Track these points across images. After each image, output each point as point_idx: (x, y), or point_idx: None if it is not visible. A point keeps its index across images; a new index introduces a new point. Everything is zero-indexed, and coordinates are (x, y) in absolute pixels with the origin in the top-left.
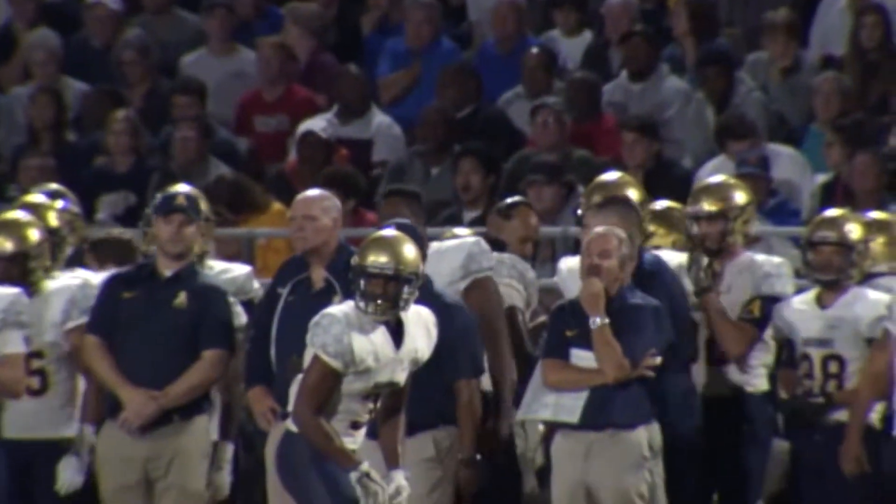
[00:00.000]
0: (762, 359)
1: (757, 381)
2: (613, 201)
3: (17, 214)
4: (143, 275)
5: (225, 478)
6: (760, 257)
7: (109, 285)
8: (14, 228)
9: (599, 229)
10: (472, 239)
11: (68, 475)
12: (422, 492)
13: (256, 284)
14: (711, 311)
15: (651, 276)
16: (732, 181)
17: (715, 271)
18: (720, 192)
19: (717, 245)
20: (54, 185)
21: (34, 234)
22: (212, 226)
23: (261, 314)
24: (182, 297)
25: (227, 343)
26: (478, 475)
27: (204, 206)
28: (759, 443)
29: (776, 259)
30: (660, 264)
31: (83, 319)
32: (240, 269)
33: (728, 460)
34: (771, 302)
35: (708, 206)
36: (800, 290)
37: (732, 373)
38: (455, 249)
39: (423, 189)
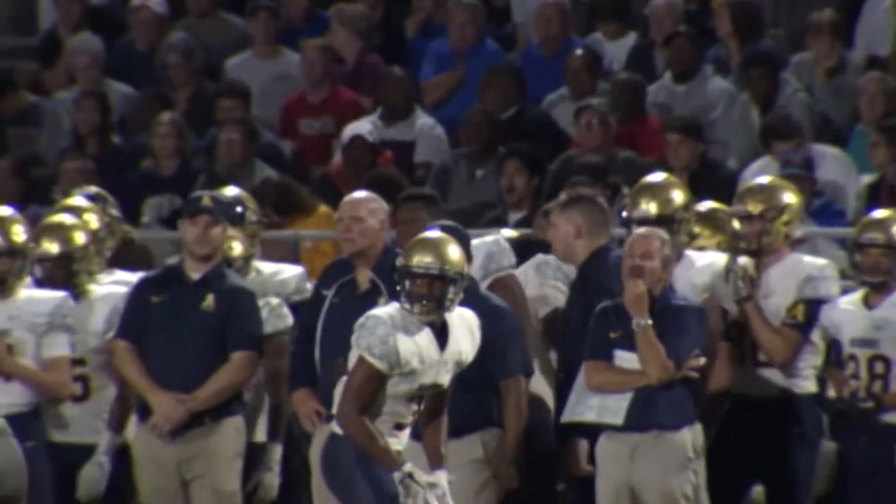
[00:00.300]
0: (810, 361)
1: (805, 382)
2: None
3: (63, 217)
4: (171, 278)
5: (274, 479)
6: (805, 259)
7: (138, 289)
8: (59, 230)
9: (642, 230)
10: (491, 238)
11: (89, 484)
12: (470, 493)
13: (309, 285)
14: (753, 321)
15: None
16: (778, 182)
17: (753, 277)
18: (764, 192)
19: (755, 245)
20: (94, 188)
21: (80, 237)
22: (260, 228)
23: (305, 316)
24: (210, 300)
25: (255, 345)
26: (519, 474)
27: (253, 207)
28: (808, 444)
29: (820, 261)
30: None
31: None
32: (292, 271)
33: (776, 462)
34: (816, 305)
35: (749, 207)
36: (846, 291)
37: (778, 375)
38: (474, 250)
39: (467, 191)
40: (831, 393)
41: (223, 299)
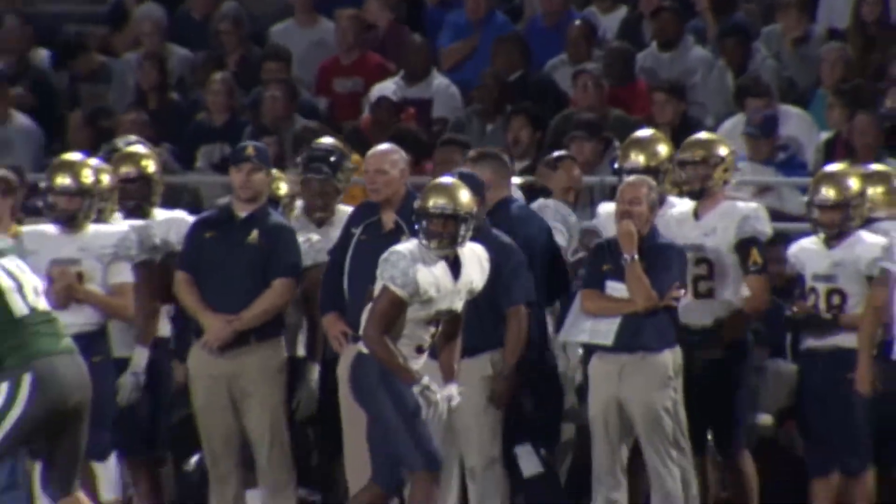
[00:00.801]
0: None
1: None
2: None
3: (136, 147)
4: (222, 217)
5: (313, 394)
6: (738, 203)
7: (194, 228)
8: (135, 157)
9: (631, 179)
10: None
11: (126, 391)
12: (479, 405)
13: None
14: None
15: (519, 221)
16: (715, 136)
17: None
18: (705, 144)
19: (698, 187)
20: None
21: (152, 165)
22: (352, 174)
23: (336, 251)
24: (255, 235)
25: (294, 273)
26: (512, 388)
27: (347, 155)
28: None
29: (753, 203)
30: (528, 211)
31: (144, 256)
32: None
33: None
34: (754, 243)
35: (691, 154)
36: (806, 233)
37: (716, 306)
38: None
39: (479, 143)
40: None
41: (266, 234)
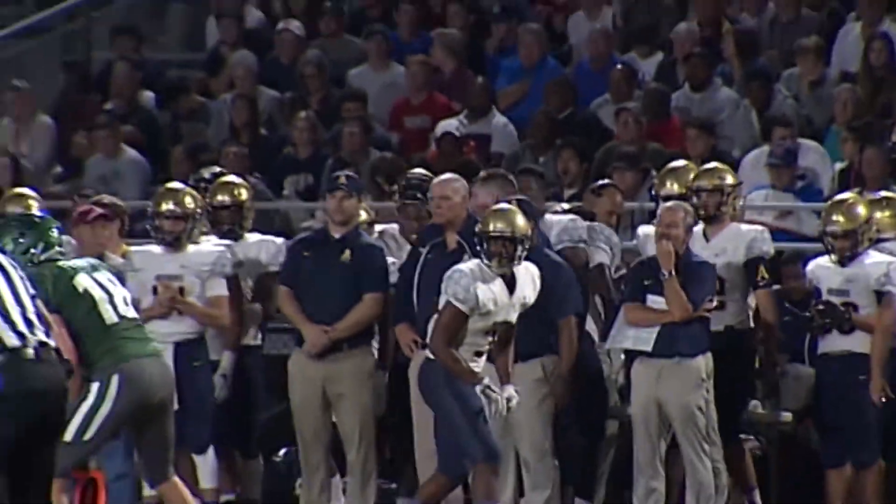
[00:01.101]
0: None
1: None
2: (494, 175)
3: (231, 177)
4: (319, 238)
5: (381, 396)
6: (743, 226)
7: (294, 247)
8: (230, 187)
9: (669, 204)
10: (569, 217)
11: (217, 390)
12: (532, 405)
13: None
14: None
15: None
16: (724, 167)
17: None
18: (717, 173)
19: (712, 212)
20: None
21: (244, 193)
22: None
23: (406, 268)
24: (347, 254)
25: (383, 288)
26: (569, 388)
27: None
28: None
29: (758, 227)
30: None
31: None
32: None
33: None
34: (761, 261)
35: (707, 183)
36: (823, 252)
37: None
38: (555, 223)
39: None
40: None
41: (358, 253)
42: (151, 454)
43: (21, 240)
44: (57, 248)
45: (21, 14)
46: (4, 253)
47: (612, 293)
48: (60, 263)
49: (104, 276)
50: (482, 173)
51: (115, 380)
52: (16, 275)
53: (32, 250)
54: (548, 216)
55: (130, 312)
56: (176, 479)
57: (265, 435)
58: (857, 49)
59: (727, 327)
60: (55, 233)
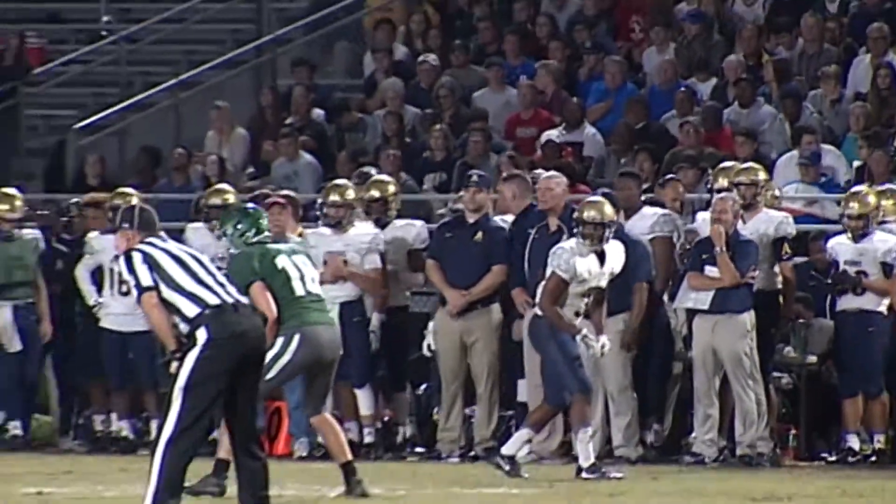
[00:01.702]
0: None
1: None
2: (513, 175)
3: (381, 176)
4: (457, 222)
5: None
6: (771, 211)
7: (439, 229)
8: (380, 183)
9: (721, 195)
10: (664, 211)
11: (373, 343)
12: (616, 349)
13: None
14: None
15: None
16: (757, 166)
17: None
18: (753, 171)
19: (749, 202)
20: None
21: (391, 189)
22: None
23: (516, 246)
24: (479, 235)
25: (507, 261)
26: (638, 338)
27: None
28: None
29: (784, 213)
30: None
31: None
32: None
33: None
34: (785, 240)
35: (746, 178)
36: (841, 231)
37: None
38: (651, 216)
39: (615, 174)
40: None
41: (488, 234)
42: (315, 395)
43: (239, 226)
44: (266, 234)
45: (222, 51)
46: (226, 235)
47: (677, 264)
48: (268, 246)
49: (300, 258)
50: (504, 174)
51: (296, 338)
52: (203, 257)
53: (247, 234)
54: (644, 209)
55: (315, 288)
56: (327, 414)
57: (411, 374)
58: (867, 75)
59: (758, 290)
60: (264, 222)
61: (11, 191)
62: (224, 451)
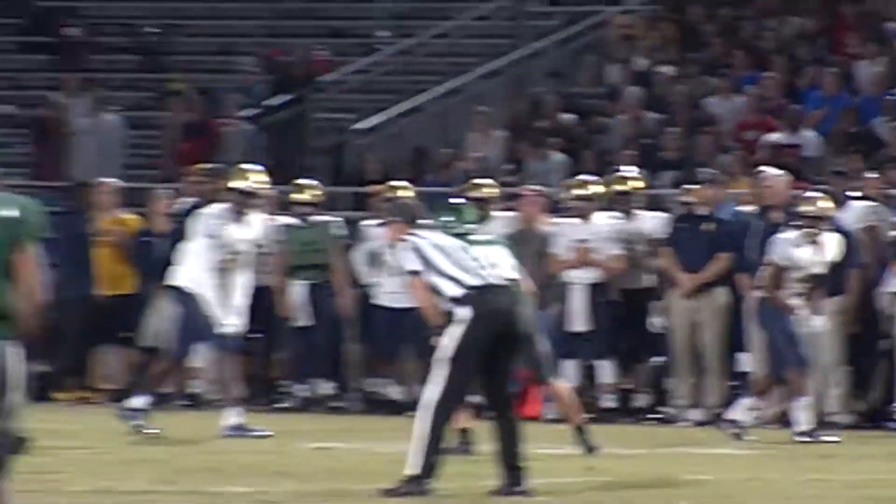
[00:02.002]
0: None
1: None
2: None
3: (624, 172)
4: (690, 215)
5: None
6: None
7: (676, 221)
8: (623, 178)
9: None
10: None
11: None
12: (831, 328)
13: None
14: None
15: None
16: None
17: None
18: None
19: None
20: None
21: (632, 184)
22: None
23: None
24: (710, 226)
25: (732, 249)
26: (852, 317)
27: None
28: None
29: None
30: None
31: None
32: None
33: None
34: None
35: None
36: None
37: None
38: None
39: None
40: None
41: (718, 226)
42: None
43: (445, 217)
44: (469, 226)
45: (483, 63)
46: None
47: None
48: (469, 237)
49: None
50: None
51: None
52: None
53: (452, 225)
54: (853, 202)
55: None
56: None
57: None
58: None
59: None
60: (470, 215)
61: (307, 181)
62: (463, 420)
